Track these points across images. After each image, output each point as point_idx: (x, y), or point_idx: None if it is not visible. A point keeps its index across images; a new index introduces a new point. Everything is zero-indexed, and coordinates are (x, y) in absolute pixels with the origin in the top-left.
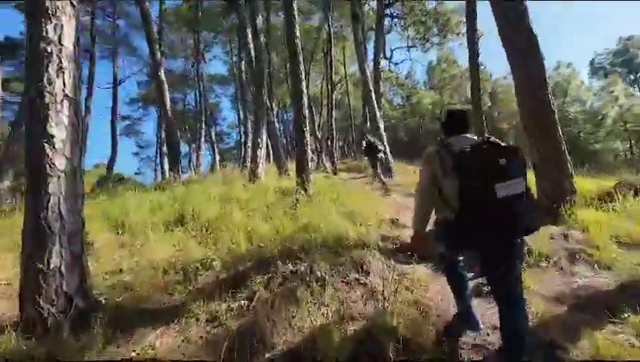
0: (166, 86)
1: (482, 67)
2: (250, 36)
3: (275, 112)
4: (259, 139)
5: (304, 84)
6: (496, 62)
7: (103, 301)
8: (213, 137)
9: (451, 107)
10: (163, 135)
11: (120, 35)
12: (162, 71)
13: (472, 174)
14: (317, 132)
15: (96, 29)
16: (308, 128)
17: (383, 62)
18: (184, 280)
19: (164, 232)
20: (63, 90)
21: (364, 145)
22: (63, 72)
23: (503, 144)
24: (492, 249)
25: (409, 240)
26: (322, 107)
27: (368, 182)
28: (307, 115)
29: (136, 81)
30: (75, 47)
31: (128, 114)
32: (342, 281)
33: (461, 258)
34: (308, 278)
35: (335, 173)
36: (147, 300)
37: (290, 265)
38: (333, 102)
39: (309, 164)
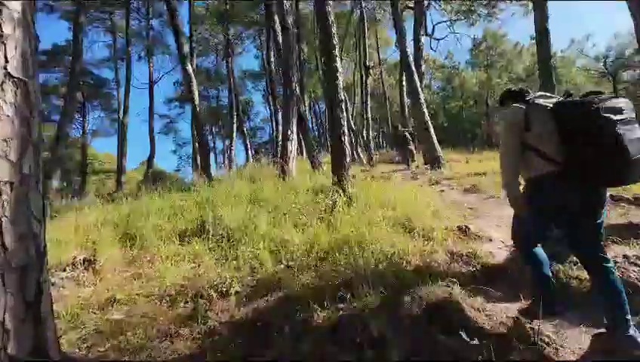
0: (194, 81)
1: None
2: (277, 24)
3: (307, 104)
4: (289, 132)
5: (339, 61)
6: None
7: None
8: (246, 132)
9: (512, 88)
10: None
11: (154, 35)
12: (189, 66)
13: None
14: (351, 122)
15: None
16: (345, 115)
17: (424, 40)
18: (193, 316)
19: (180, 244)
20: (5, 68)
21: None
22: (4, 43)
23: (575, 102)
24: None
25: (490, 259)
26: (355, 96)
27: (412, 176)
28: (343, 97)
29: (172, 81)
30: (25, 11)
31: (166, 113)
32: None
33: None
34: (358, 339)
35: (372, 166)
36: (140, 352)
37: (329, 310)
38: (368, 88)
39: (348, 158)
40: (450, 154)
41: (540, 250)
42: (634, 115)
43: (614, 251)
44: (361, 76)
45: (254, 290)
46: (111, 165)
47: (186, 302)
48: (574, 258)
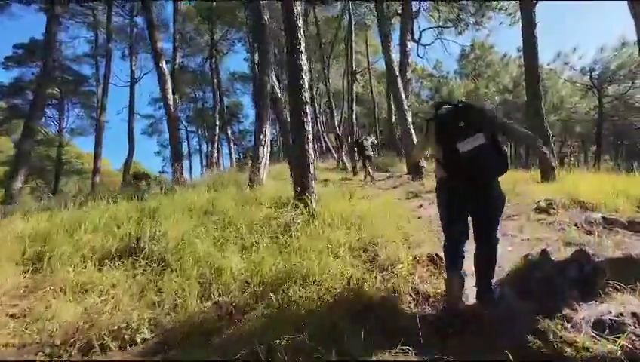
0: (169, 80)
1: (521, 52)
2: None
3: None
4: (261, 136)
5: (304, 57)
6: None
7: None
8: (230, 135)
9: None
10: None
11: (138, 32)
12: (163, 63)
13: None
14: (337, 129)
15: (113, 27)
16: (309, 119)
17: (411, 45)
18: None
19: (100, 269)
20: None
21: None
22: None
23: (467, 104)
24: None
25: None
26: (343, 102)
27: (395, 185)
28: (308, 99)
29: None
30: None
31: (151, 112)
32: None
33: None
34: None
35: (355, 174)
36: None
37: None
38: (354, 94)
39: (312, 168)
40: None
41: (460, 252)
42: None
43: (618, 301)
44: (349, 82)
45: (169, 336)
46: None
47: (70, 356)
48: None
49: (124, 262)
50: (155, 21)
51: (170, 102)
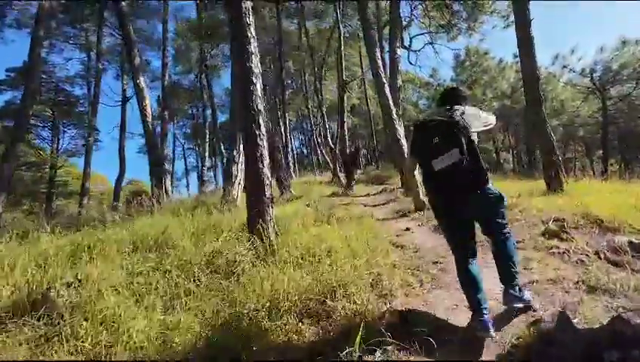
0: (147, 95)
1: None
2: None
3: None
4: (234, 153)
5: (255, 60)
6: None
7: None
8: (224, 152)
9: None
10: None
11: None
12: (141, 79)
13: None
14: (330, 142)
15: (104, 48)
16: (263, 132)
17: (401, 52)
18: None
19: None
20: None
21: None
22: None
23: (440, 120)
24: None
25: None
26: (338, 114)
27: (386, 200)
28: (261, 107)
29: (155, 99)
30: None
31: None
32: None
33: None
34: None
35: (349, 188)
36: None
37: None
38: (345, 105)
39: (269, 190)
40: None
41: (472, 269)
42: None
43: None
44: (339, 92)
45: None
46: (94, 185)
47: None
48: None
49: (12, 322)
50: (132, 36)
51: (149, 119)
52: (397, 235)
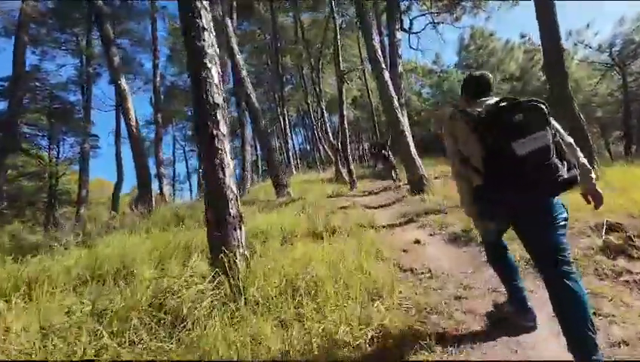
0: (129, 98)
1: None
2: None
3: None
4: None
5: (209, 37)
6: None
7: None
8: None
9: (472, 72)
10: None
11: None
12: (123, 80)
13: (490, 135)
14: (331, 137)
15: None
16: (224, 131)
17: (400, 35)
18: None
19: None
20: None
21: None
22: None
23: (520, 100)
24: (520, 208)
25: None
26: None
27: (390, 200)
28: (220, 100)
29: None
30: None
31: (147, 135)
32: None
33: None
34: None
35: (352, 187)
36: None
37: None
38: (344, 96)
39: (235, 206)
40: (442, 165)
41: (507, 256)
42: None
43: None
44: (338, 84)
45: None
46: (99, 191)
47: None
48: None
49: None
50: (110, 35)
51: (133, 122)
52: (404, 250)
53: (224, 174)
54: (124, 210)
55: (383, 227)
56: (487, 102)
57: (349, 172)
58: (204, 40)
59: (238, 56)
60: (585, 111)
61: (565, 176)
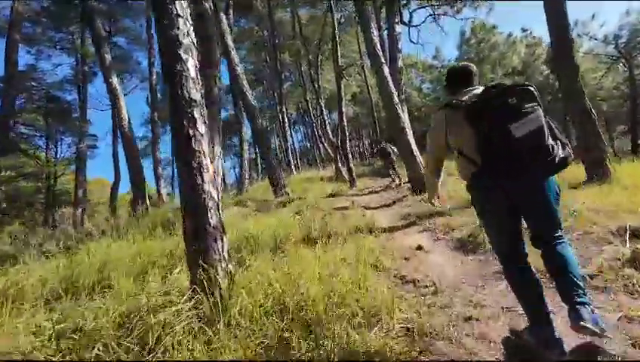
0: (121, 95)
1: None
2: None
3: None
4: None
5: (184, 26)
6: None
7: None
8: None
9: (454, 64)
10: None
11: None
12: (114, 78)
13: (484, 121)
14: (331, 134)
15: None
16: (201, 131)
17: (400, 28)
18: None
19: None
20: None
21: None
22: None
23: (509, 84)
24: (518, 191)
25: None
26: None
27: (391, 200)
28: (197, 97)
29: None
30: None
31: (145, 134)
32: None
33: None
34: None
35: (352, 185)
36: None
37: None
38: (342, 92)
39: (215, 215)
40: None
41: (526, 272)
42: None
43: None
44: (336, 79)
45: None
46: (102, 191)
47: None
48: None
49: None
50: (100, 32)
51: (125, 122)
52: (406, 258)
53: (202, 179)
54: (126, 209)
55: (383, 230)
56: (474, 91)
57: (349, 170)
58: (178, 28)
59: (233, 52)
60: (591, 105)
61: (561, 155)
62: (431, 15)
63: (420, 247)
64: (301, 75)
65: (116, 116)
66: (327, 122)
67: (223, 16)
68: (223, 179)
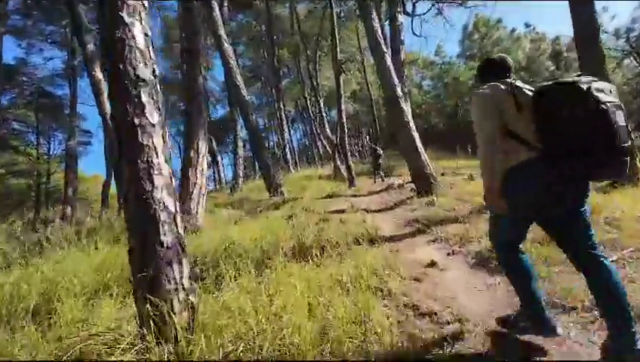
0: (104, 88)
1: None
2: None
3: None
4: (192, 153)
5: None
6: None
7: None
8: (215, 150)
9: (489, 56)
10: None
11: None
12: (98, 70)
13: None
14: (329, 133)
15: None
16: (152, 120)
17: (403, 18)
18: None
19: None
20: None
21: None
22: None
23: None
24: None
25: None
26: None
27: (392, 202)
28: (148, 75)
29: None
30: None
31: None
32: None
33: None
34: None
35: (351, 185)
36: None
37: None
38: (341, 88)
39: (169, 235)
40: (447, 161)
41: (523, 258)
42: (618, 100)
43: None
44: (335, 74)
45: None
46: (98, 188)
47: None
48: None
49: None
50: (82, 21)
51: (108, 117)
52: (416, 278)
53: (153, 183)
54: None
55: (386, 239)
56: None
57: (348, 169)
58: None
59: (226, 44)
60: None
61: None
62: (434, 5)
63: (432, 263)
64: (299, 71)
65: (99, 110)
66: (325, 119)
67: (215, 4)
68: (219, 177)
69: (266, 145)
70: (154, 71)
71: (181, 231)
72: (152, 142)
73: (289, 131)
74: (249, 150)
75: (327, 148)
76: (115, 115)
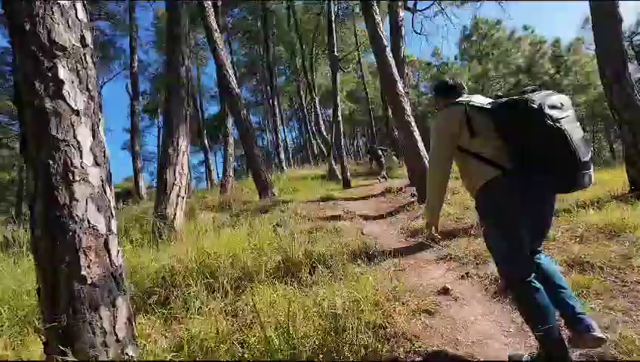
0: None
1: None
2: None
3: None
4: (170, 150)
5: None
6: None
7: None
8: (207, 146)
9: (443, 77)
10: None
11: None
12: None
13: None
14: (324, 132)
15: None
16: (76, 103)
17: (404, 14)
18: None
19: None
20: None
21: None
22: None
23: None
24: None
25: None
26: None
27: (392, 207)
28: (67, 43)
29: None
30: None
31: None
32: None
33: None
34: None
35: (345, 186)
36: None
37: None
38: (338, 85)
39: (102, 264)
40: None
41: (541, 290)
42: (572, 111)
43: None
44: (332, 69)
45: None
46: None
47: None
48: None
49: None
50: None
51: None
52: (427, 311)
53: (72, 195)
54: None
55: (388, 254)
56: (482, 98)
57: (343, 169)
58: None
59: (216, 34)
60: (601, 107)
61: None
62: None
63: (445, 290)
64: (296, 69)
65: None
66: (320, 117)
67: None
68: (210, 176)
69: (260, 143)
70: (83, 38)
71: (117, 259)
72: (73, 136)
73: (283, 129)
74: (240, 148)
75: (322, 147)
76: (18, 96)
